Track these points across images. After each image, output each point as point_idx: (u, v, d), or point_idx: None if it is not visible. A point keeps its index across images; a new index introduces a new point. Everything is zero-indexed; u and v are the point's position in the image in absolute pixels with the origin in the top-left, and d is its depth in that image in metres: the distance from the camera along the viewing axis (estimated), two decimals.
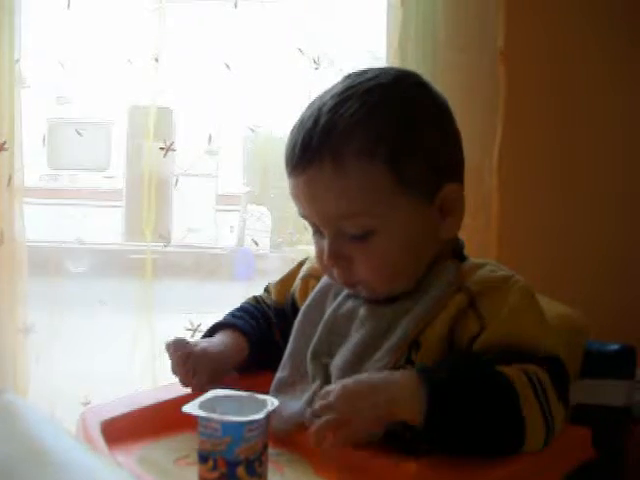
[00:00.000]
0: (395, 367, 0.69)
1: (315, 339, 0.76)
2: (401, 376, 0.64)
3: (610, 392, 0.78)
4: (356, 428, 0.61)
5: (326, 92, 0.74)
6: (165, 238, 1.43)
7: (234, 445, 0.61)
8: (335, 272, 0.74)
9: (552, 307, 0.82)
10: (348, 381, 0.64)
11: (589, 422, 0.76)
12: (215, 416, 0.62)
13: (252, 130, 1.41)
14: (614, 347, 0.80)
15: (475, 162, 1.35)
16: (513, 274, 0.72)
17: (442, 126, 0.75)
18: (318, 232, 0.75)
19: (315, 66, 1.34)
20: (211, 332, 0.84)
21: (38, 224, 1.68)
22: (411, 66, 1.37)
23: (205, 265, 1.70)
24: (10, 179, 1.23)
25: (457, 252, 0.77)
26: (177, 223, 1.75)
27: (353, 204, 0.70)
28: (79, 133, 1.49)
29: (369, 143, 0.69)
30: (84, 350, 1.50)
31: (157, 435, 0.74)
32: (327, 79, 1.38)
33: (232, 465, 0.61)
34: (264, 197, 1.69)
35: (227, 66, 1.34)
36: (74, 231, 1.55)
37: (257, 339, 0.83)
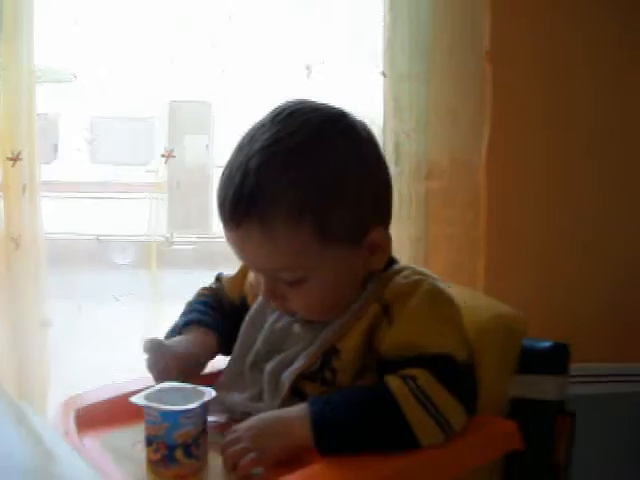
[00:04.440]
0: (309, 371, 0.77)
1: (254, 350, 0.83)
2: (295, 408, 0.73)
3: (544, 387, 0.83)
4: (261, 455, 0.70)
5: (256, 133, 0.76)
6: (206, 231, 1.50)
7: (172, 431, 0.70)
8: (272, 303, 0.81)
9: (491, 307, 0.87)
10: (253, 418, 0.73)
11: (524, 415, 0.82)
12: (155, 405, 0.70)
13: None
14: (547, 344, 0.84)
15: (464, 159, 1.40)
16: (424, 278, 0.78)
17: (368, 176, 0.77)
18: None
19: (307, 72, 1.40)
20: (182, 328, 0.89)
21: (80, 217, 1.79)
22: (401, 68, 1.42)
23: None
24: (25, 188, 1.33)
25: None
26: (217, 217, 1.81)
27: (283, 261, 0.74)
28: (120, 128, 1.57)
29: (295, 209, 0.72)
30: (105, 341, 1.59)
31: (125, 422, 0.82)
32: (319, 87, 1.44)
33: (171, 448, 0.70)
34: None
35: None
36: (115, 224, 1.65)
37: (225, 332, 0.88)
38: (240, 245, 0.76)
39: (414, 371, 0.71)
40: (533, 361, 0.84)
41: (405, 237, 1.45)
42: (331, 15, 1.44)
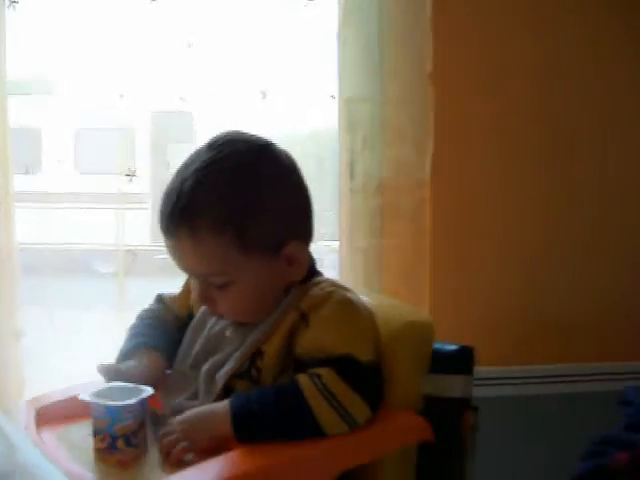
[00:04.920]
0: (239, 371, 0.88)
1: (193, 353, 0.94)
2: (221, 404, 0.84)
3: (451, 385, 0.94)
4: (192, 444, 0.81)
5: (192, 159, 0.88)
6: None
7: (114, 423, 0.81)
8: (205, 305, 0.92)
9: (403, 314, 0.98)
10: (186, 413, 0.84)
11: (436, 410, 0.92)
12: (100, 401, 0.81)
13: None
14: (454, 347, 0.95)
15: (411, 175, 1.52)
16: (336, 290, 0.89)
17: (286, 198, 0.89)
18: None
19: (262, 96, 1.50)
20: (131, 352, 0.97)
21: (66, 227, 1.87)
22: (353, 91, 1.53)
23: None
24: None
25: (309, 272, 0.93)
26: None
27: (210, 267, 0.87)
28: (103, 138, 1.64)
29: (218, 223, 0.85)
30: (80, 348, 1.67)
31: (80, 418, 0.92)
32: (274, 110, 1.54)
33: (113, 438, 0.81)
34: None
35: None
36: (102, 234, 1.74)
37: (169, 350, 0.97)
38: (176, 252, 0.89)
39: (320, 370, 0.83)
40: (442, 362, 0.94)
41: (358, 249, 1.56)
42: (285, 44, 1.54)
